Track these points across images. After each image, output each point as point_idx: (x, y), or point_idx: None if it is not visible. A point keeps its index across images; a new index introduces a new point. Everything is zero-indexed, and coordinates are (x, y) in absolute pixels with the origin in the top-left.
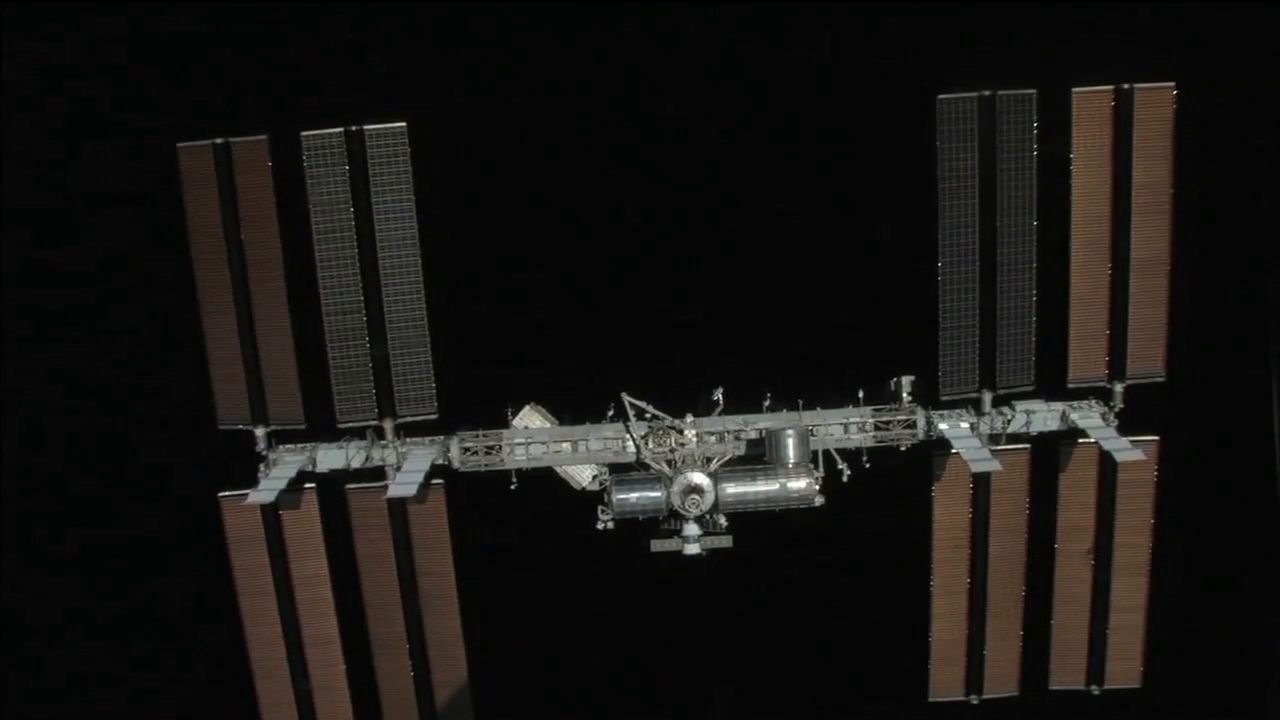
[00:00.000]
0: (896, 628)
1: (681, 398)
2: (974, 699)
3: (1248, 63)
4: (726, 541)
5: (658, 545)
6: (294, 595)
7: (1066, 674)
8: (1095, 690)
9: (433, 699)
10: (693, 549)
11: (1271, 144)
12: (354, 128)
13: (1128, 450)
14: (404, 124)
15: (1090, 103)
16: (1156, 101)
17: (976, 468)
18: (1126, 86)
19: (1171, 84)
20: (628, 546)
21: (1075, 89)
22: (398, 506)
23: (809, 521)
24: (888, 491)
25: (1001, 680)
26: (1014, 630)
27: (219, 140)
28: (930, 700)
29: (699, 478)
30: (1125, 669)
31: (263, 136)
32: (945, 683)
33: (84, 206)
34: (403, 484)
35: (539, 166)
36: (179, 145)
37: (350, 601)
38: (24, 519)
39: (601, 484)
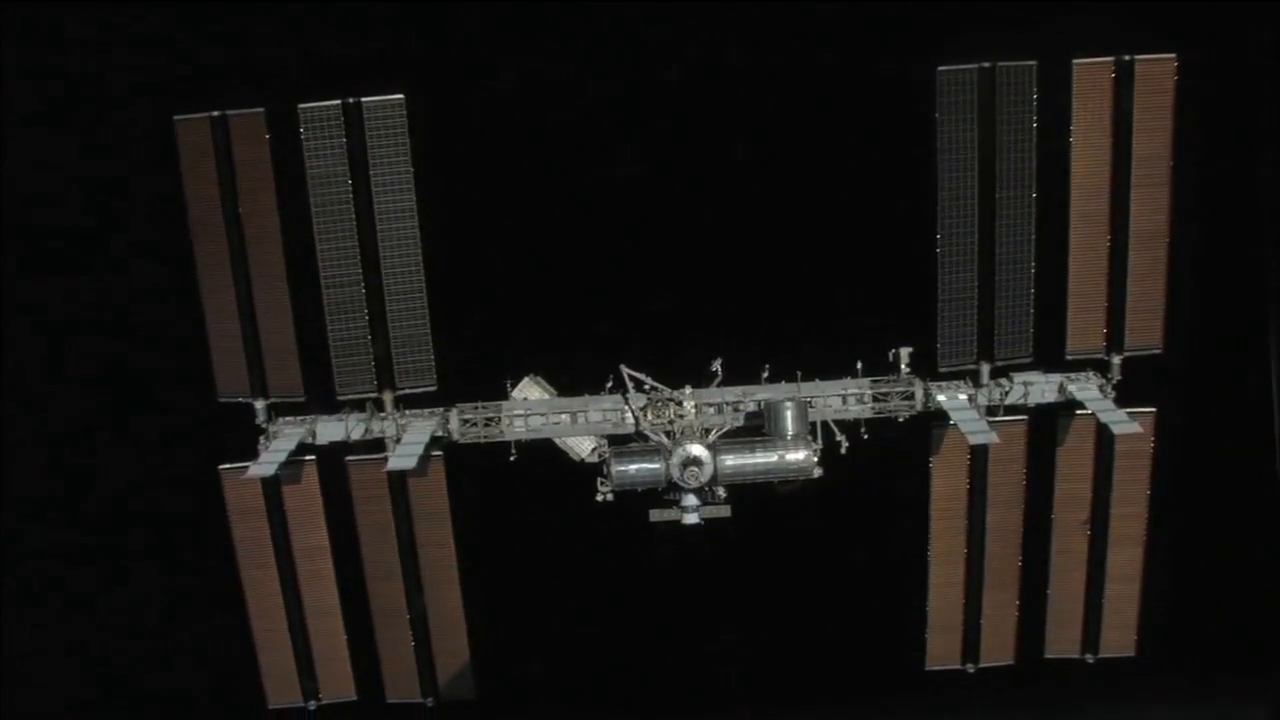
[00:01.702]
0: (894, 598)
1: (680, 369)
2: (970, 668)
3: (1249, 34)
4: (725, 511)
5: (656, 515)
6: (295, 567)
7: (1062, 643)
8: (1090, 659)
9: (434, 669)
10: (691, 519)
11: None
12: (351, 100)
13: (1125, 423)
14: (401, 96)
15: (1090, 74)
16: (1157, 73)
17: (974, 440)
18: (1127, 58)
19: (1172, 55)
20: (627, 517)
21: (1075, 60)
22: (398, 478)
23: (807, 493)
24: (885, 462)
25: (997, 649)
26: (1010, 600)
27: (215, 113)
28: (927, 669)
29: (698, 450)
30: (1120, 638)
31: (259, 109)
32: (942, 652)
33: (79, 182)
34: (402, 456)
35: (538, 138)
36: (176, 118)
37: (351, 572)
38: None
39: (601, 456)
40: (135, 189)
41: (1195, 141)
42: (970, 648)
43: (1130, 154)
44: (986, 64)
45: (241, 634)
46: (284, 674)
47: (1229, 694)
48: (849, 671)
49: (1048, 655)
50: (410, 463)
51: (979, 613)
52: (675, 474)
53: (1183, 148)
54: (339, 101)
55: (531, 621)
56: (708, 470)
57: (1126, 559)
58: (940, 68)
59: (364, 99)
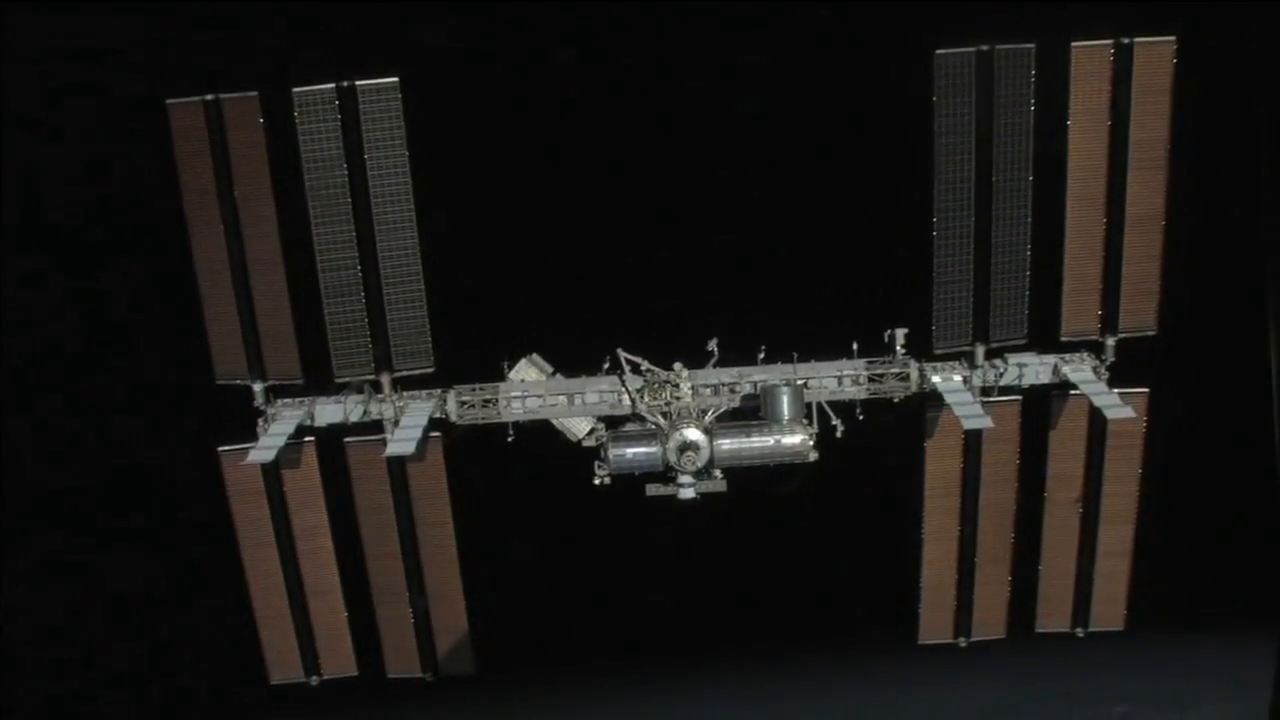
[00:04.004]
0: (888, 574)
1: (677, 349)
2: (962, 642)
3: (1248, 17)
4: (721, 485)
5: (653, 489)
6: (295, 546)
7: (1052, 618)
8: (1080, 633)
9: (433, 645)
10: (687, 493)
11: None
12: (346, 83)
13: (1118, 407)
14: (396, 79)
15: (1089, 57)
16: (1156, 56)
17: (969, 425)
18: (1126, 41)
19: (1172, 38)
20: (624, 494)
21: (1074, 43)
22: (396, 459)
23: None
24: (880, 442)
25: (989, 624)
26: (1002, 576)
27: (209, 97)
28: (920, 643)
29: (694, 434)
30: (1110, 613)
31: (253, 93)
32: (935, 627)
33: (73, 166)
34: (401, 441)
35: (534, 120)
36: (169, 102)
37: (351, 550)
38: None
39: (598, 440)
40: (130, 173)
41: (1194, 124)
42: (962, 623)
43: (1128, 137)
44: (985, 47)
45: (243, 612)
46: (285, 651)
47: (1222, 667)
48: (845, 646)
49: (1038, 630)
50: (409, 448)
51: (971, 589)
52: (672, 458)
53: (1181, 131)
54: (333, 85)
55: (530, 598)
56: (704, 455)
57: (1117, 536)
58: (938, 50)
59: (358, 82)
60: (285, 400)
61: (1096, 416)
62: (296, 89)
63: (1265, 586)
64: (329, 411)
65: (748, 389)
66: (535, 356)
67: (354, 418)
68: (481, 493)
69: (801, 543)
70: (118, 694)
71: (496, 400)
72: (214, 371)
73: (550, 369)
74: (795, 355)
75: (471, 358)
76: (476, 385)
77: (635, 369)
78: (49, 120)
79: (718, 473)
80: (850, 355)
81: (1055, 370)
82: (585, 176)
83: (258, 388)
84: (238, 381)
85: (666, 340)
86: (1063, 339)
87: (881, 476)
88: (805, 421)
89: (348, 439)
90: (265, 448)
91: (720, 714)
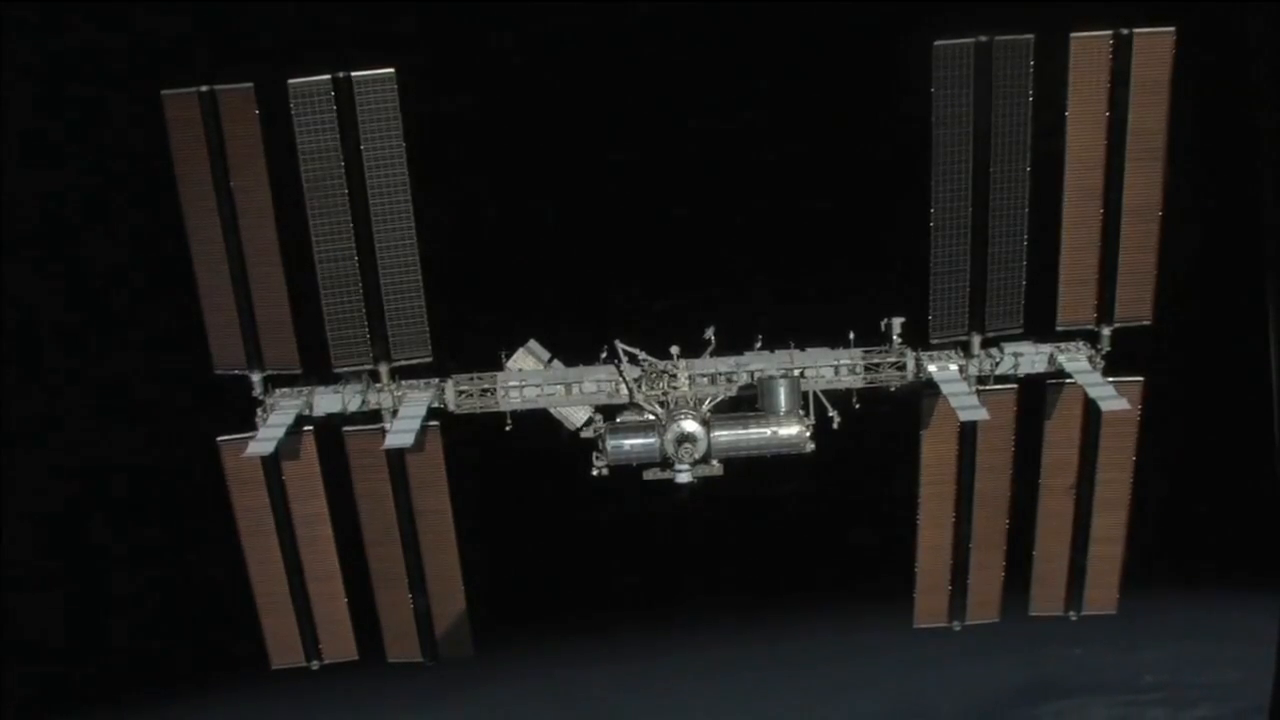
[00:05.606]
0: (885, 559)
1: (673, 336)
2: (956, 625)
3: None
4: (718, 470)
5: (650, 473)
6: (295, 534)
7: (1046, 602)
8: (1074, 616)
9: (433, 630)
10: (684, 478)
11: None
12: (342, 75)
13: (1113, 399)
14: (392, 70)
15: (1088, 48)
16: (1155, 47)
17: (964, 416)
18: (1125, 32)
19: (1171, 29)
20: (621, 482)
21: (1073, 34)
22: (395, 450)
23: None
24: (877, 431)
25: (983, 608)
26: (997, 561)
27: (204, 88)
28: (915, 627)
29: (692, 426)
30: (1103, 596)
31: (249, 84)
32: (930, 611)
33: (70, 159)
34: (400, 433)
35: (530, 109)
36: (163, 92)
37: (351, 536)
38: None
39: (596, 431)
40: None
41: (1192, 116)
42: (957, 606)
43: (1126, 128)
44: (983, 38)
45: (244, 598)
46: (286, 636)
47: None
48: (842, 631)
49: (1032, 613)
50: (408, 440)
51: (966, 573)
52: (670, 450)
53: (1179, 122)
54: (329, 76)
55: (529, 583)
56: (702, 446)
57: (1111, 522)
58: (937, 42)
59: (354, 73)
60: (283, 390)
61: (1092, 405)
62: (292, 80)
63: (1261, 573)
64: (327, 401)
65: (745, 378)
66: (532, 343)
67: (352, 407)
68: (480, 480)
69: (799, 530)
70: (120, 680)
71: (495, 390)
72: (212, 361)
73: (547, 355)
74: (792, 344)
75: (469, 347)
76: (474, 374)
77: (633, 359)
78: (46, 114)
79: (715, 461)
80: (847, 344)
81: (1051, 359)
82: (583, 167)
83: (256, 378)
84: (236, 371)
85: (663, 327)
86: (1059, 328)
87: (877, 464)
88: (802, 413)
89: (346, 428)
90: (265, 439)
91: (718, 701)
